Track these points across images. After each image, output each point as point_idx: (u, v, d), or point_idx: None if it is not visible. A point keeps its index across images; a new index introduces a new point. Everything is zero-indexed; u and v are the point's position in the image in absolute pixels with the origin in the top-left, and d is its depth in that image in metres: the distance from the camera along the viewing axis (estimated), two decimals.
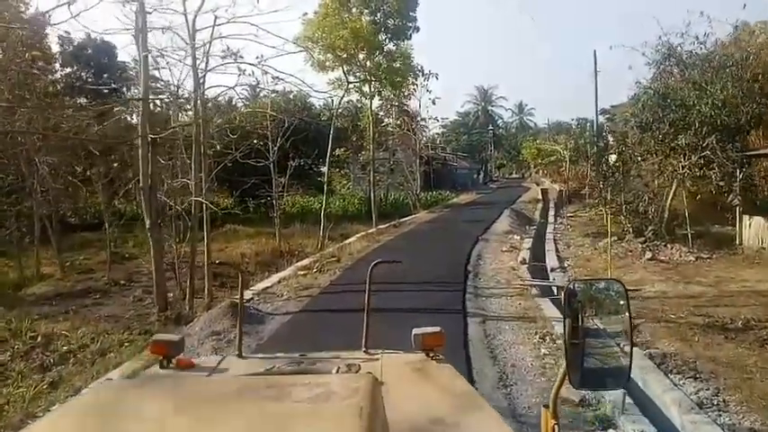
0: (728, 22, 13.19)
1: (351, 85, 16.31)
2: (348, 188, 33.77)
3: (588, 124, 53.48)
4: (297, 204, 29.13)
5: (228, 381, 1.56)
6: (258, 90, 25.43)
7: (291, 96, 27.91)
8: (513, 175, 79.11)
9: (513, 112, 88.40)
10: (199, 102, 9.78)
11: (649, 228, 12.22)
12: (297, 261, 14.75)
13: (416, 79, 22.50)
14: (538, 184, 51.51)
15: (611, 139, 18.08)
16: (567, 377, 1.41)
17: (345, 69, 15.62)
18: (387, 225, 19.50)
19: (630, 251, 11.89)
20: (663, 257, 11.34)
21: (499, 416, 1.51)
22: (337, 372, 1.69)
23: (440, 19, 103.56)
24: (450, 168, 45.02)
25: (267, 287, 10.13)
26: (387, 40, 17.86)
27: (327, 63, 14.93)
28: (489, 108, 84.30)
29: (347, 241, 15.40)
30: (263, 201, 21.11)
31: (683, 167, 12.37)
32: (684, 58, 12.74)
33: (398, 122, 27.51)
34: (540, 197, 32.10)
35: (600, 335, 1.49)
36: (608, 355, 1.50)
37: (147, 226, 8.60)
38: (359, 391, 1.16)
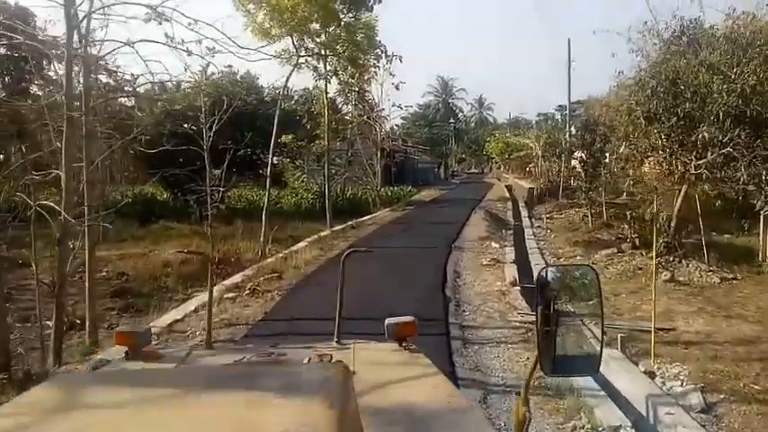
0: (718, 8, 11.50)
1: (302, 60, 13.59)
2: (302, 181, 31.02)
3: (558, 117, 52.32)
4: (243, 198, 26.25)
5: (195, 371, 1.49)
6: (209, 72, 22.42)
7: (239, 77, 24.95)
8: (473, 170, 78.25)
9: (472, 106, 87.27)
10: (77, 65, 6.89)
11: (660, 239, 10.13)
12: (232, 272, 12.14)
13: (379, 61, 19.99)
14: (500, 180, 50.07)
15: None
16: (539, 365, 1.38)
17: (296, 40, 12.87)
18: (343, 226, 16.95)
19: (640, 268, 9.79)
20: (681, 278, 9.27)
21: (470, 404, 1.77)
22: (308, 362, 1.64)
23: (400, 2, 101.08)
24: (412, 162, 42.76)
25: (177, 320, 7.43)
26: (345, 10, 15.19)
27: (273, 31, 12.15)
28: (450, 101, 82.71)
29: (294, 248, 12.77)
30: (202, 195, 18.26)
31: (696, 167, 10.36)
32: (699, 36, 10.70)
33: (358, 110, 24.92)
34: (506, 195, 30.28)
35: (573, 322, 1.47)
36: (580, 342, 1.50)
37: None
38: (329, 381, 1.10)
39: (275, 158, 31.24)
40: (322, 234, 14.92)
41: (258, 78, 22.78)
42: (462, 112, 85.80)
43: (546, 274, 1.50)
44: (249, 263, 13.05)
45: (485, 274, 9.68)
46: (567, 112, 25.30)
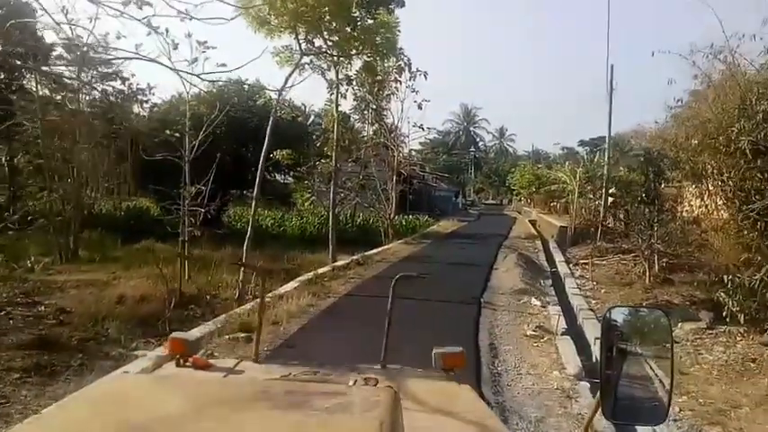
0: None
1: (306, 60, 11.14)
2: (311, 203, 28.61)
3: (580, 151, 49.67)
4: (245, 219, 23.87)
5: (246, 383, 1.54)
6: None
7: (245, 87, 22.77)
8: (490, 201, 76.05)
9: (493, 136, 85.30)
10: None
11: None
12: (202, 315, 9.70)
13: (401, 74, 17.66)
14: (521, 213, 47.35)
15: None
16: (600, 408, 1.35)
17: (300, 33, 10.37)
18: (348, 261, 14.34)
19: (753, 360, 7.00)
20: None
21: None
22: (354, 384, 1.64)
23: (424, 28, 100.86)
24: (429, 190, 40.25)
25: None
26: (363, 12, 12.76)
27: (272, 21, 9.74)
28: (471, 129, 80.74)
29: (282, 289, 10.16)
30: (195, 211, 15.90)
31: None
32: None
33: (374, 129, 22.56)
34: (533, 232, 27.57)
35: (639, 367, 1.42)
36: (646, 388, 1.44)
37: None
38: (379, 404, 1.10)
39: (281, 177, 29.11)
40: (320, 271, 12.30)
41: (264, 88, 20.45)
42: (483, 141, 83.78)
43: (609, 314, 1.45)
44: (224, 303, 10.52)
45: (532, 353, 6.97)
46: (608, 144, 22.61)
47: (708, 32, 17.74)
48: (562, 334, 7.86)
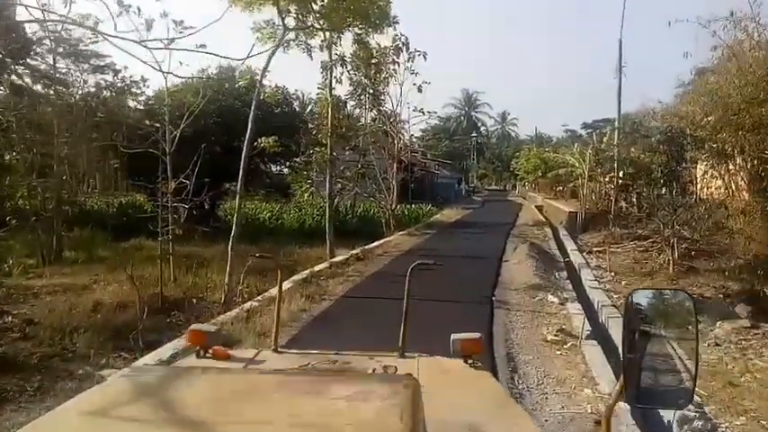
0: None
1: (292, 35, 10.07)
2: (310, 193, 27.71)
3: (583, 134, 48.56)
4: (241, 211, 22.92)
5: (266, 374, 1.51)
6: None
7: (236, 74, 21.74)
8: (494, 187, 75.16)
9: (495, 121, 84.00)
10: None
11: None
12: (186, 322, 8.79)
13: (399, 55, 16.64)
14: (525, 199, 46.35)
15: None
16: (622, 393, 1.31)
17: (282, 5, 9.32)
18: (347, 255, 13.41)
19: None
20: None
21: (537, 427, 1.55)
22: (374, 372, 1.64)
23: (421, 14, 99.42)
24: (431, 177, 39.21)
25: None
26: None
27: None
28: (473, 114, 79.46)
29: (273, 291, 9.23)
30: (187, 206, 14.95)
31: None
32: None
33: (372, 116, 21.54)
34: (541, 218, 26.60)
35: (662, 350, 1.38)
36: (669, 372, 1.40)
37: None
38: (399, 393, 1.09)
39: (276, 168, 28.11)
40: (316, 269, 11.37)
41: (256, 75, 19.44)
42: (485, 126, 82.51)
43: (632, 298, 1.40)
44: (211, 308, 9.62)
45: (556, 363, 6.03)
46: (618, 123, 21.51)
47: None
48: (586, 338, 6.91)
